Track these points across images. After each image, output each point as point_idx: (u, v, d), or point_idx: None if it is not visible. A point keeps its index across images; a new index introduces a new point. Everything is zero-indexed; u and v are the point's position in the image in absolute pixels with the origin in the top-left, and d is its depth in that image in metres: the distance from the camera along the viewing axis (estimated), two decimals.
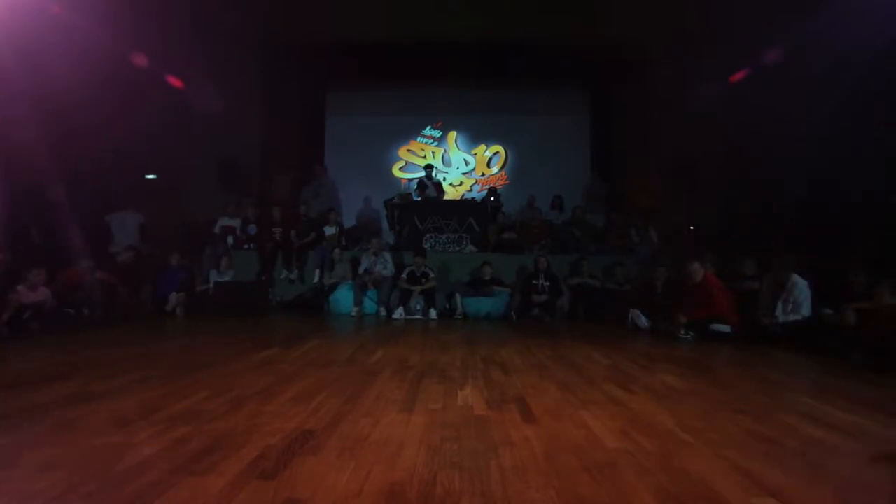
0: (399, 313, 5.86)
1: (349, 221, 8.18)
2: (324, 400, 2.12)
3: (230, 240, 7.03)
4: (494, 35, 8.29)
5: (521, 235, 7.42)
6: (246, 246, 7.02)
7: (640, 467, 1.45)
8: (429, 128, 9.72)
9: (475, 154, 9.69)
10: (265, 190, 8.55)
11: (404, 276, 6.12)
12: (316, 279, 6.67)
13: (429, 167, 8.29)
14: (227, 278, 6.19)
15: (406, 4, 7.51)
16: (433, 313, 5.87)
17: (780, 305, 4.30)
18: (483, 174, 9.64)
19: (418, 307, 5.97)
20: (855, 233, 4.83)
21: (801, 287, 4.24)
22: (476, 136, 9.68)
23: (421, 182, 8.06)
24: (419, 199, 7.80)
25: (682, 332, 4.42)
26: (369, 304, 6.15)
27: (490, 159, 9.67)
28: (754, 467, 1.46)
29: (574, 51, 8.51)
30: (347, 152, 9.40)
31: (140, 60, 6.68)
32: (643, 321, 4.95)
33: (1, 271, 4.49)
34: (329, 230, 7.09)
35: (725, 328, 4.40)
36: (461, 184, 9.61)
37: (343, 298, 6.28)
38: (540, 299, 5.98)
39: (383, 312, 5.99)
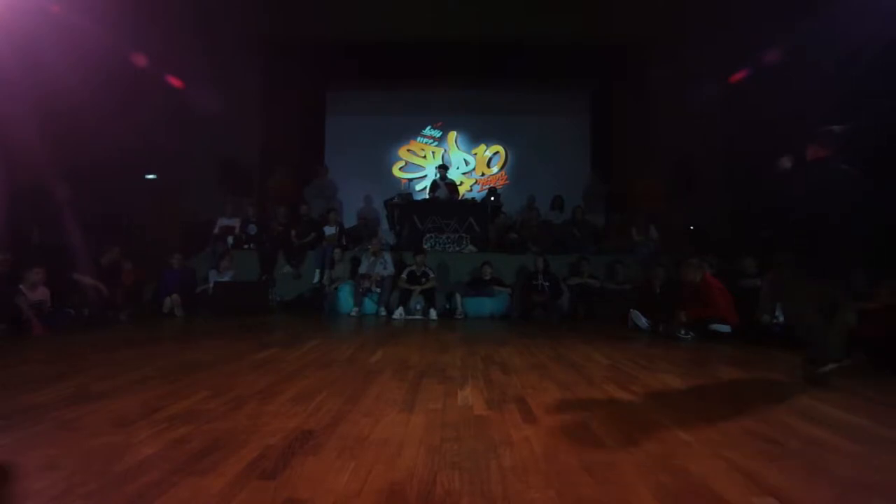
0: (399, 313, 5.86)
1: (349, 221, 8.18)
2: (324, 400, 2.12)
3: (230, 240, 7.03)
4: (494, 35, 8.30)
5: (520, 235, 7.42)
6: (246, 246, 7.02)
7: (640, 467, 1.44)
8: (429, 128, 9.72)
9: (475, 154, 9.70)
10: (265, 190, 8.55)
11: (404, 276, 6.12)
12: (316, 279, 6.66)
13: (442, 167, 8.22)
14: (226, 278, 6.19)
15: (406, 4, 7.52)
16: (433, 313, 5.87)
17: (780, 305, 4.29)
18: (483, 174, 9.65)
19: (418, 307, 5.97)
20: (855, 233, 4.81)
21: None
22: (476, 136, 9.68)
23: (434, 183, 8.05)
24: (429, 198, 7.81)
25: (682, 331, 4.42)
26: (369, 304, 6.15)
27: (490, 159, 9.67)
28: (754, 467, 1.46)
29: (573, 51, 8.53)
30: (347, 152, 9.41)
31: (140, 60, 6.69)
32: (643, 321, 4.95)
33: (1, 271, 4.49)
34: (329, 230, 7.09)
35: (725, 328, 4.41)
36: (461, 184, 9.60)
37: (343, 298, 6.28)
38: (540, 299, 5.98)
39: (383, 312, 5.99)
